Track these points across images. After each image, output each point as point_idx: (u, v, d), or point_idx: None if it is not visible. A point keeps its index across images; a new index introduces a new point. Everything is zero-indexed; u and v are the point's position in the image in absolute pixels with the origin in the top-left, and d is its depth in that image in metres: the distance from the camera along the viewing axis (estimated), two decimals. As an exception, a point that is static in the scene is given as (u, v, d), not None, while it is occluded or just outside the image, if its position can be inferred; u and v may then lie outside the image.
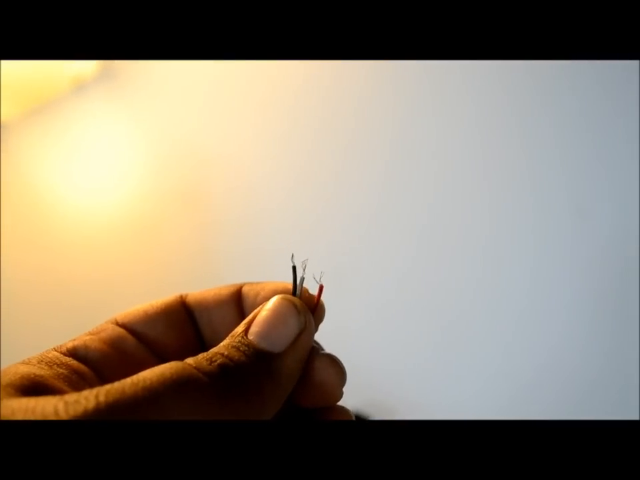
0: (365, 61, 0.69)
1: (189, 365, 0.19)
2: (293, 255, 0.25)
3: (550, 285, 0.68)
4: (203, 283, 0.73)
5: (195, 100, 0.75)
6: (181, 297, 0.26)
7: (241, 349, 0.21)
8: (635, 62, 0.63)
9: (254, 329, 0.22)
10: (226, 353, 0.21)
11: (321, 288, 0.25)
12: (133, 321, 0.25)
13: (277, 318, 0.22)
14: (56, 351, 0.22)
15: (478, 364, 0.70)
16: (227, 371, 0.20)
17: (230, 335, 0.22)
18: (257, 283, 0.26)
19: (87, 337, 0.23)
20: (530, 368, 0.69)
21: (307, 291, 0.25)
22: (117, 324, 0.25)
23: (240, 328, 0.22)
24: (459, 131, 0.70)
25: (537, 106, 0.68)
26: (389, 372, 0.72)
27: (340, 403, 0.24)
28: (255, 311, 0.23)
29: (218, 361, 0.20)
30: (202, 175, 0.74)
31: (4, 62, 0.61)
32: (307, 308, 0.23)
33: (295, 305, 0.23)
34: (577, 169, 0.67)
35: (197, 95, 0.74)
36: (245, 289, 0.26)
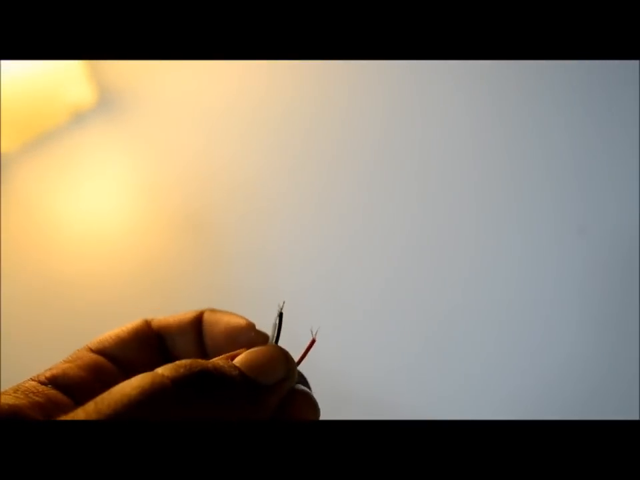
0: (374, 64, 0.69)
1: (158, 373, 0.20)
2: (281, 305, 0.25)
3: (550, 291, 0.68)
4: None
5: (195, 127, 0.75)
6: (146, 321, 0.27)
7: (228, 365, 0.21)
8: (635, 62, 0.63)
9: (249, 359, 0.22)
10: (210, 364, 0.21)
11: (313, 342, 0.25)
12: (107, 346, 0.25)
13: (266, 359, 0.23)
14: (33, 380, 0.22)
15: (476, 372, 0.70)
16: (208, 376, 0.20)
17: (223, 356, 0.23)
18: (218, 311, 0.27)
19: (65, 365, 0.23)
20: (529, 370, 0.69)
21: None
22: (92, 350, 0.25)
23: (232, 353, 0.23)
24: (454, 142, 0.70)
25: (534, 115, 0.68)
26: (378, 377, 0.72)
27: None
28: (239, 350, 0.23)
29: (199, 368, 0.20)
30: (203, 203, 0.75)
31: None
32: (293, 360, 0.24)
33: (285, 354, 0.23)
34: (577, 185, 0.68)
35: (196, 122, 0.75)
36: (206, 315, 0.27)
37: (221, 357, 0.23)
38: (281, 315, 0.25)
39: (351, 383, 0.72)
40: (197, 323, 0.27)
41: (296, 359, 0.24)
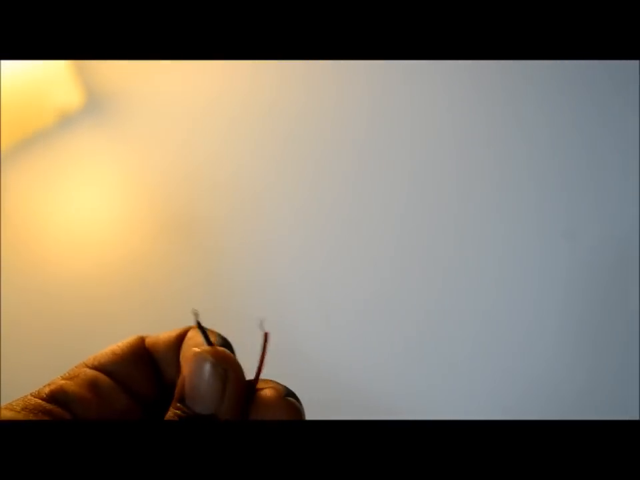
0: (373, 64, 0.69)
1: None
2: (197, 313, 0.24)
3: (536, 293, 0.69)
4: (200, 313, 0.74)
5: (182, 128, 0.75)
6: (141, 337, 0.27)
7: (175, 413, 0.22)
8: (635, 62, 0.63)
9: (187, 392, 0.23)
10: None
11: (266, 336, 0.24)
12: (103, 361, 0.25)
13: (197, 377, 0.22)
14: (35, 397, 0.22)
15: (462, 372, 0.70)
16: None
17: (174, 397, 0.23)
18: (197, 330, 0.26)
19: (63, 382, 0.24)
20: (516, 371, 0.69)
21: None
22: (88, 367, 0.25)
23: (177, 389, 0.23)
24: (441, 143, 0.70)
25: (521, 117, 0.68)
26: (364, 378, 0.72)
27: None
28: (184, 369, 0.23)
29: None
30: (192, 203, 0.75)
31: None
32: (226, 354, 0.23)
33: (209, 361, 0.23)
34: (563, 188, 0.68)
35: (184, 124, 0.75)
36: (189, 334, 0.26)
37: (177, 386, 0.23)
38: (198, 324, 0.24)
39: (338, 382, 0.72)
40: (180, 340, 0.26)
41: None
